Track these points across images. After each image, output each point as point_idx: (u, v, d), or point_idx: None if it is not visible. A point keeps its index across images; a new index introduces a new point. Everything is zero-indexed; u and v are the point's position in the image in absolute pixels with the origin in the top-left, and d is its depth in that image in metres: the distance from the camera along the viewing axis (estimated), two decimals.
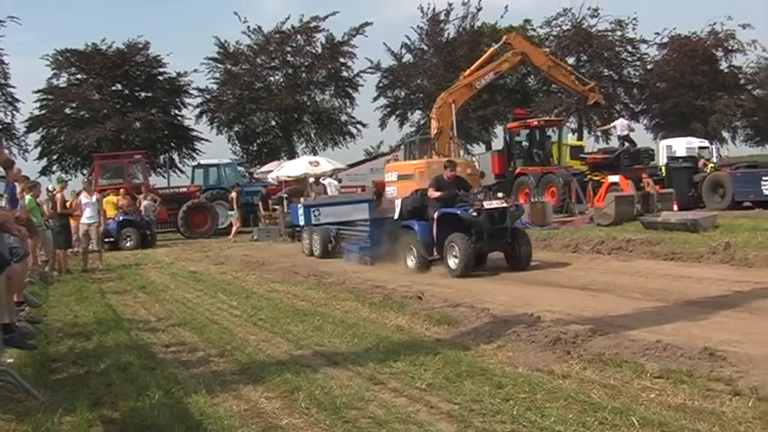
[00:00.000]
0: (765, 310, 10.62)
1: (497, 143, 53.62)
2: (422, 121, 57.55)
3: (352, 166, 43.76)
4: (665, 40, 60.97)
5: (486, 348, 8.97)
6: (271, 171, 39.09)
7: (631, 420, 6.05)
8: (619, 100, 61.59)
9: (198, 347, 10.43)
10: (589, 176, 32.04)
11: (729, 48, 60.64)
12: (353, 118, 61.24)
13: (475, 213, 16.16)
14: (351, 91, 61.02)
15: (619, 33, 60.52)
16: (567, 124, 52.89)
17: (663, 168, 34.76)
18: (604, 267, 16.36)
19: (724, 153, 54.84)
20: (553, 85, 48.50)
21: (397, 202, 18.79)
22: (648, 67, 61.82)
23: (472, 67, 33.60)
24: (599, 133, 56.76)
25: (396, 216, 18.48)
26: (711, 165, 33.38)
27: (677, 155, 38.73)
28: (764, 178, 28.58)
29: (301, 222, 23.40)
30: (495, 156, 38.87)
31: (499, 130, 57.20)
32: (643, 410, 6.37)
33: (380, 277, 16.28)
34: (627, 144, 34.63)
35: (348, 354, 9.19)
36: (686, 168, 32.35)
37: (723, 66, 61.58)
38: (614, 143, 39.32)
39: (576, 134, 57.68)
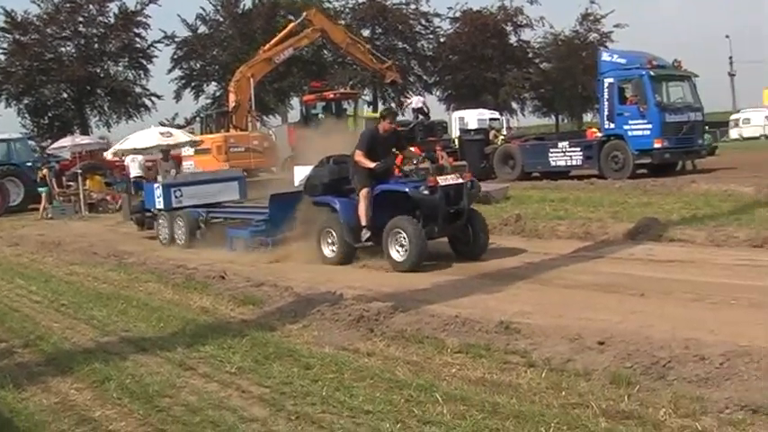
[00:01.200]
0: (555, 281, 11.22)
1: (294, 115, 53.70)
2: (218, 94, 56.97)
3: None
4: (458, 14, 62.65)
5: (291, 328, 9.09)
6: (64, 147, 37.60)
7: (435, 396, 6.32)
8: (413, 72, 62.82)
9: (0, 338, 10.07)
10: None
11: (518, 23, 62.95)
12: (148, 90, 60.03)
13: (427, 191, 13.04)
14: (145, 62, 59.81)
15: (413, 7, 61.75)
16: (363, 97, 53.60)
17: (456, 140, 35.78)
18: None
19: (513, 124, 57.05)
20: (349, 58, 48.98)
21: (298, 171, 16.27)
22: (441, 40, 63.40)
23: (271, 42, 33.67)
24: (394, 105, 57.72)
25: (302, 190, 15.18)
26: (502, 137, 34.59)
27: (469, 127, 39.94)
28: (552, 150, 29.95)
29: (159, 206, 19.44)
30: (292, 128, 38.94)
31: (295, 102, 57.35)
32: (446, 386, 6.66)
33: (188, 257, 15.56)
34: (421, 117, 35.45)
35: (155, 339, 9.11)
36: (478, 141, 33.38)
37: (512, 40, 63.87)
38: (408, 116, 40.15)
39: (371, 106, 58.45)
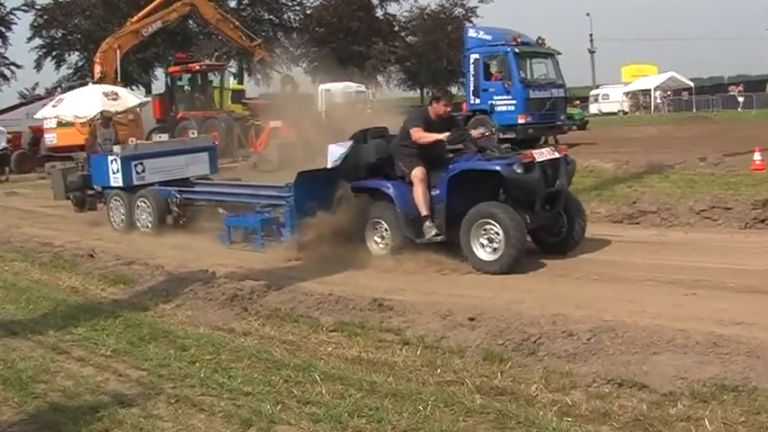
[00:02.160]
0: (424, 258, 11.27)
1: (158, 86, 52.74)
2: (80, 64, 55.36)
3: (4, 111, 41.37)
4: None
5: (165, 308, 9.00)
6: None
7: (313, 376, 6.37)
8: (279, 44, 62.35)
9: None
10: (251, 121, 32.34)
11: None
12: (6, 59, 57.94)
13: (520, 170, 10.35)
14: (3, 30, 57.57)
15: None
16: (229, 69, 52.95)
17: (323, 114, 35.71)
18: None
19: (379, 97, 57.26)
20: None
21: (333, 149, 11.82)
22: (308, 12, 63.08)
23: (140, 14, 32.99)
24: (259, 77, 57.28)
25: (330, 170, 11.86)
26: (368, 111, 34.68)
27: (336, 99, 39.94)
28: None
29: (115, 183, 15.82)
30: (157, 100, 38.21)
31: (160, 72, 56.34)
32: (323, 365, 6.72)
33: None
34: (289, 88, 35.27)
35: (26, 322, 8.83)
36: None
37: (379, 13, 64.05)
38: (276, 88, 39.92)
39: (237, 78, 57.83)
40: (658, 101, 61.80)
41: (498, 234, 10.13)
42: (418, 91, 70.67)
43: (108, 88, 19.66)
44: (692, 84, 64.82)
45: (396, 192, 11.13)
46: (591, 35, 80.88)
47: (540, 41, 29.38)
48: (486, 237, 10.28)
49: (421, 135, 10.94)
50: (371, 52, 61.80)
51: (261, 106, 33.07)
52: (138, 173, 15.77)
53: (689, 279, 9.13)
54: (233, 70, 58.98)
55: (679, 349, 6.52)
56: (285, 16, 62.72)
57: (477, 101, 28.03)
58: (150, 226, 15.11)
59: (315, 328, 7.80)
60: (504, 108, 27.37)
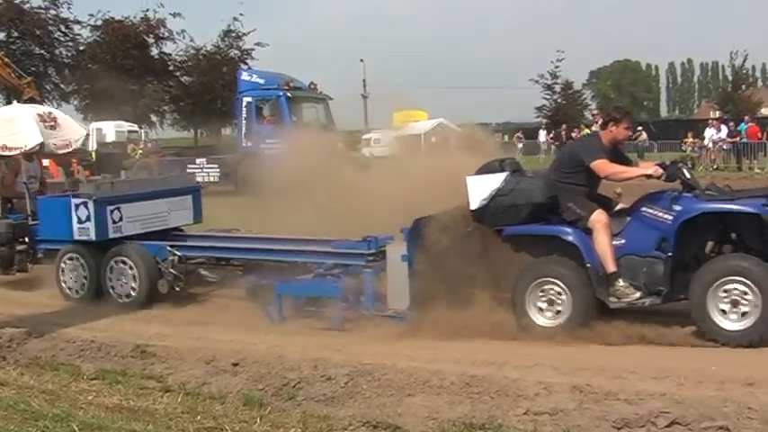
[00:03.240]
0: (198, 299, 11.30)
1: None
2: None
3: None
4: (99, 22, 60.98)
5: None
6: None
7: (72, 427, 6.31)
8: (50, 80, 60.39)
9: None
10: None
11: (160, 35, 62.34)
12: None
13: None
14: None
15: (53, 12, 59.33)
16: None
17: (93, 153, 34.96)
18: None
19: (152, 136, 56.47)
20: None
21: (478, 182, 9.20)
22: (81, 48, 61.41)
23: None
24: None
25: (481, 213, 9.18)
26: (140, 151, 34.30)
27: (107, 139, 39.24)
28: (189, 166, 30.18)
29: (84, 235, 11.44)
30: None
31: None
32: (82, 414, 6.65)
33: None
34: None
35: None
36: (115, 154, 32.98)
37: (154, 52, 63.14)
38: None
39: None
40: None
41: (748, 295, 8.04)
42: (192, 131, 70.02)
43: (42, 109, 15.14)
44: (459, 130, 67.39)
45: (581, 241, 8.71)
46: (364, 80, 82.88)
47: (312, 86, 30.02)
48: (727, 300, 8.14)
49: (615, 170, 8.83)
50: (145, 91, 60.77)
51: None
52: (114, 221, 11.61)
53: None
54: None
55: (433, 390, 6.89)
56: (57, 51, 60.77)
57: (249, 144, 28.28)
58: (134, 295, 11.13)
59: (75, 377, 7.72)
60: (275, 151, 27.73)
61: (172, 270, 11.01)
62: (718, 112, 60.68)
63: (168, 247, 11.30)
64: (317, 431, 6.23)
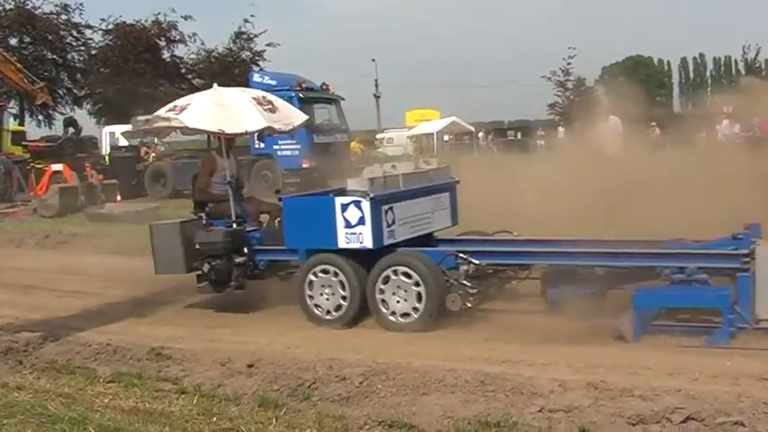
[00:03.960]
0: (202, 301, 11.33)
1: None
2: None
3: None
4: (111, 26, 61.15)
5: None
6: None
7: (88, 429, 6.35)
8: (62, 84, 60.60)
9: None
10: (31, 164, 31.34)
11: (172, 38, 62.49)
12: None
13: None
14: None
15: (64, 17, 59.50)
16: (9, 109, 51.04)
17: (106, 157, 35.06)
18: (50, 263, 15.86)
19: (164, 140, 56.49)
20: None
21: None
22: (93, 52, 61.59)
23: None
24: (41, 118, 55.54)
25: None
26: (153, 154, 34.35)
27: (120, 143, 39.31)
28: None
29: (353, 242, 9.56)
30: None
31: None
32: (99, 417, 6.68)
33: None
34: (72, 131, 34.43)
35: None
36: (129, 158, 33.02)
37: (166, 55, 63.28)
38: (58, 130, 38.84)
39: (17, 119, 55.68)
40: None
41: None
42: (205, 135, 70.12)
43: (256, 93, 12.29)
44: (472, 128, 67.26)
45: None
46: (376, 80, 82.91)
47: (324, 87, 30.03)
48: None
49: None
50: (158, 94, 60.73)
51: (42, 149, 32.15)
52: (387, 225, 9.76)
53: None
54: (13, 111, 56.85)
55: (448, 389, 6.88)
56: (69, 56, 60.96)
57: (262, 145, 28.33)
58: (414, 316, 9.23)
59: (91, 380, 7.74)
60: (289, 153, 27.82)
61: (464, 282, 9.24)
62: (731, 107, 60.53)
63: (461, 254, 9.49)
64: (333, 431, 6.24)
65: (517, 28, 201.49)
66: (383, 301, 9.37)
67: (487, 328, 9.10)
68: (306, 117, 12.49)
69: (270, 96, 12.01)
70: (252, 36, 63.02)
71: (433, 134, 63.67)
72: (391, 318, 9.31)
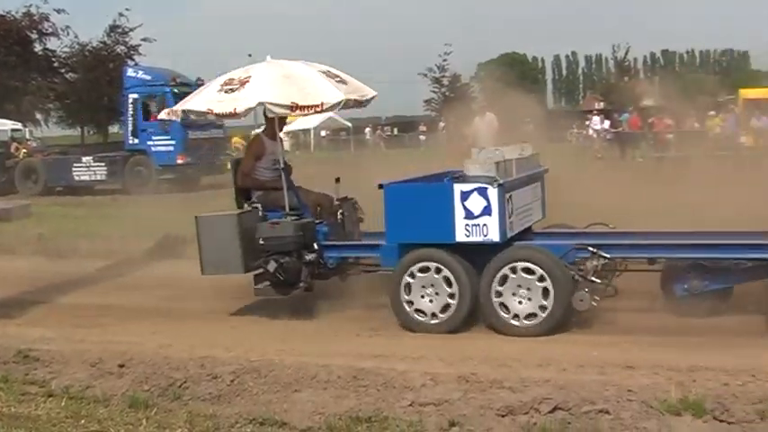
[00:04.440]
0: (80, 302, 11.05)
1: None
2: None
3: None
4: None
5: None
6: None
7: None
8: None
9: None
10: None
11: (44, 31, 60.85)
12: None
13: None
14: None
15: None
16: None
17: None
18: None
19: (36, 135, 55.16)
20: None
21: None
22: None
23: None
24: None
25: None
26: (24, 150, 33.53)
27: None
28: (75, 164, 29.70)
29: (476, 235, 8.44)
30: None
31: None
32: None
33: None
34: None
35: None
36: None
37: (38, 48, 61.59)
38: None
39: None
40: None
41: None
42: (78, 129, 68.59)
43: (321, 66, 10.74)
44: (350, 124, 67.57)
45: None
46: None
47: (199, 82, 29.70)
48: None
49: None
50: (29, 88, 59.24)
51: None
52: (509, 215, 8.72)
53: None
54: None
55: (320, 385, 6.91)
56: None
57: (136, 141, 28.07)
58: (542, 315, 8.29)
59: None
60: (163, 148, 27.56)
61: (593, 278, 8.47)
62: (602, 104, 62.27)
63: (591, 248, 8.54)
64: (204, 430, 6.20)
65: (389, 23, 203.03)
66: (502, 304, 8.38)
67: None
68: (375, 92, 11.02)
69: (334, 69, 10.65)
70: (127, 30, 61.91)
71: (310, 130, 63.73)
72: (514, 322, 8.33)
